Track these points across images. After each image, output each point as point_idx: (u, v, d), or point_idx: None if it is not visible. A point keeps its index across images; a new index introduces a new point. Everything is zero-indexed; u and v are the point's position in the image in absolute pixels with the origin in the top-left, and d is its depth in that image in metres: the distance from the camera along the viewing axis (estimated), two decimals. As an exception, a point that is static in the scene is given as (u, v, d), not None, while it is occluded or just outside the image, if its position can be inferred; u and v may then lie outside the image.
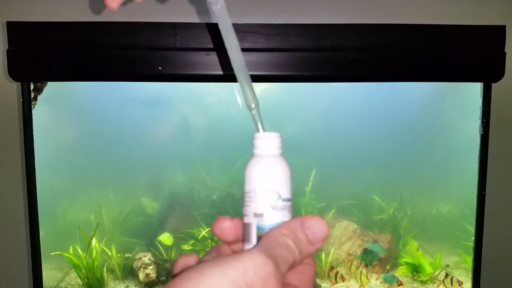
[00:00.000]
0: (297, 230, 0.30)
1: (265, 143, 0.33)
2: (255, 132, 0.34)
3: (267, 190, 0.31)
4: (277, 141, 0.33)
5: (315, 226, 0.30)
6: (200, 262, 0.31)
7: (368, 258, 1.00)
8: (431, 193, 1.10)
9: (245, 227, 0.32)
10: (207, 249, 0.35)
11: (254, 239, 0.31)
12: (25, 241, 0.91)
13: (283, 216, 0.31)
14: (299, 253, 0.29)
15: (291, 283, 0.31)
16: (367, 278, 0.97)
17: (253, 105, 0.34)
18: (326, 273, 1.00)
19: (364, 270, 0.97)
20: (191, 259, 0.32)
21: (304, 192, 1.03)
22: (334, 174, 1.08)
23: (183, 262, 0.32)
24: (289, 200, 0.32)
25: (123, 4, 0.43)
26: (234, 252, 0.34)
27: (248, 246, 0.32)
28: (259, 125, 0.34)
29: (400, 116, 1.06)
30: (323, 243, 0.31)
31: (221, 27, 0.34)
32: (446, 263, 1.04)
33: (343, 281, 0.97)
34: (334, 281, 0.97)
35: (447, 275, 0.98)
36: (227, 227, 0.33)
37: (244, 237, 0.32)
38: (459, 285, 0.96)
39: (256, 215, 0.31)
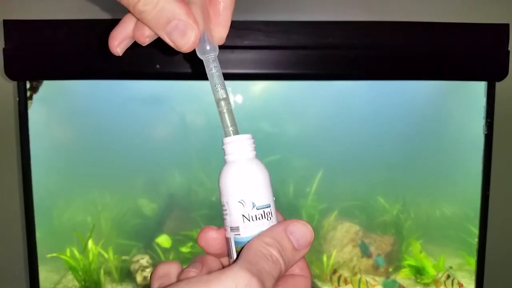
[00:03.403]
0: (281, 238, 0.27)
1: (234, 147, 0.29)
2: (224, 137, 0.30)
3: (239, 201, 0.28)
4: (247, 144, 0.29)
5: (300, 231, 0.28)
6: (181, 273, 0.29)
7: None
8: (434, 194, 1.09)
9: (227, 241, 0.30)
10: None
11: (234, 255, 0.29)
12: (21, 243, 0.90)
13: (260, 225, 0.28)
14: (285, 264, 0.26)
15: None
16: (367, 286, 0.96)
17: (222, 96, 0.30)
18: (329, 277, 0.99)
19: (364, 278, 0.96)
20: (172, 269, 0.29)
21: (306, 193, 1.02)
22: (336, 174, 1.07)
23: (162, 271, 0.29)
24: (267, 206, 0.29)
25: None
26: (222, 264, 0.31)
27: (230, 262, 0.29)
28: (228, 128, 0.30)
29: (403, 116, 1.04)
30: (308, 248, 0.28)
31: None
32: (449, 265, 1.03)
33: (345, 284, 0.96)
34: (337, 284, 0.96)
35: (448, 276, 0.97)
36: (213, 238, 0.30)
37: (227, 252, 0.30)
38: (460, 287, 0.95)
39: (232, 229, 0.29)
